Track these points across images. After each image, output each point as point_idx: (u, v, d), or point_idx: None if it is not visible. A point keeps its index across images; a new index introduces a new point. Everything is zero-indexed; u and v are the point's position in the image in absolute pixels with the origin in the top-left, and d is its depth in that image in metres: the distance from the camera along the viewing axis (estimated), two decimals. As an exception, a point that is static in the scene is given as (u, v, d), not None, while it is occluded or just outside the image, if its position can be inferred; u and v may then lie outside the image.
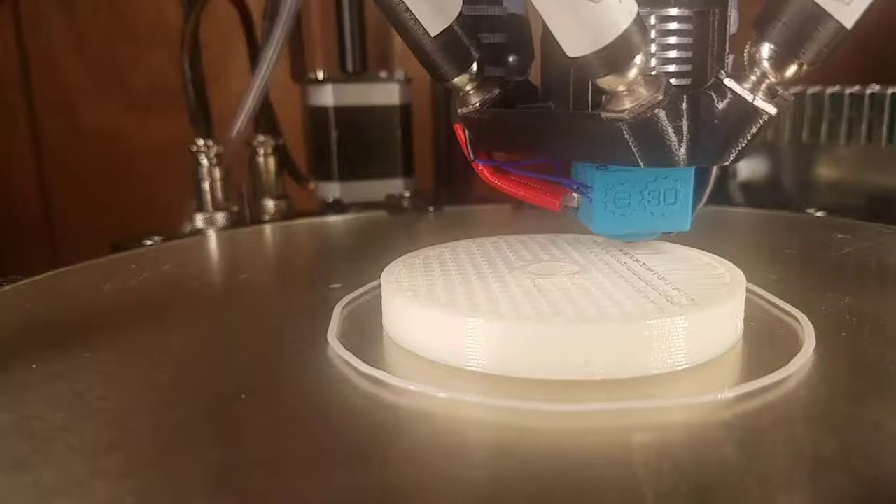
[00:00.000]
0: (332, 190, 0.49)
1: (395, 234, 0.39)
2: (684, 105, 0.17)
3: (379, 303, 0.21)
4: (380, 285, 0.21)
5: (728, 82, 0.17)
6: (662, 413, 0.16)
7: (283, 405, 0.17)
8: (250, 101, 0.41)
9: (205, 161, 0.39)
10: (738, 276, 0.20)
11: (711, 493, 0.13)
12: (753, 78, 0.17)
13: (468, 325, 0.17)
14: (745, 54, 0.17)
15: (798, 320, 0.20)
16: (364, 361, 0.18)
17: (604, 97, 0.17)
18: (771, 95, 0.17)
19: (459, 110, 0.22)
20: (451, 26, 0.19)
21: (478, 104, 0.22)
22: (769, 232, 0.37)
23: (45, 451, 0.14)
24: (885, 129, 0.40)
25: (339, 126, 0.48)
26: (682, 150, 0.17)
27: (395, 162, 0.50)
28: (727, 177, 0.46)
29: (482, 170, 0.23)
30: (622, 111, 0.17)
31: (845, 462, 0.13)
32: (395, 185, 0.49)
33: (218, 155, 0.39)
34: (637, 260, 0.22)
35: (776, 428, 0.15)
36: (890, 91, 0.40)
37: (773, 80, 0.17)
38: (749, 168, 0.46)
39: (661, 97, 0.17)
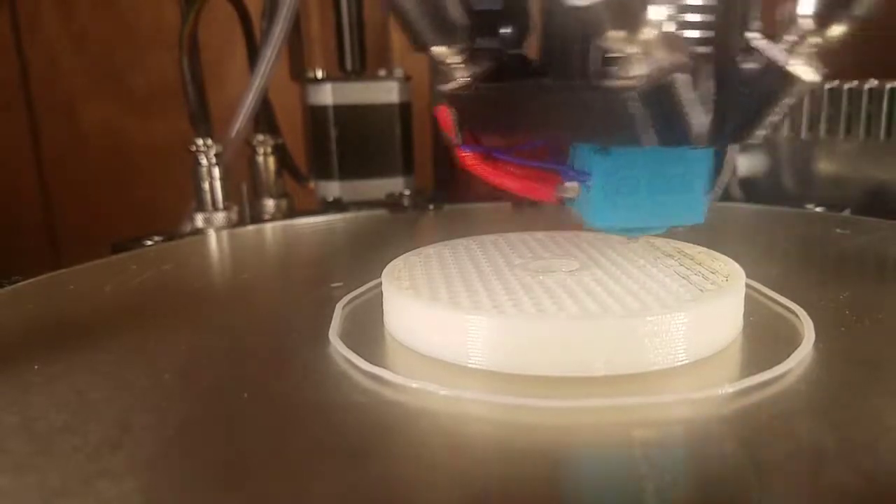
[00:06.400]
0: (332, 189, 0.49)
1: (396, 233, 0.39)
2: (706, 71, 0.15)
3: (380, 301, 0.21)
4: (380, 284, 0.21)
5: (758, 44, 0.15)
6: (663, 409, 0.16)
7: (285, 403, 0.17)
8: (249, 101, 0.41)
9: (204, 161, 0.39)
10: (738, 271, 0.20)
11: (712, 488, 0.13)
12: (789, 39, 0.14)
13: (469, 323, 0.17)
14: (779, 12, 0.15)
15: (797, 315, 0.20)
16: (365, 359, 0.18)
17: (615, 66, 0.15)
18: (808, 60, 0.15)
19: (444, 87, 0.20)
20: None
21: (466, 79, 0.19)
22: (768, 227, 0.37)
23: (49, 451, 0.15)
24: (883, 123, 0.40)
25: (338, 125, 0.48)
26: (703, 125, 0.15)
27: (395, 160, 0.50)
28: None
29: (467, 157, 0.21)
30: (633, 77, 0.14)
31: (846, 456, 0.13)
32: (395, 184, 0.49)
33: (217, 155, 0.39)
34: (636, 256, 0.22)
35: (776, 423, 0.15)
36: (888, 85, 0.40)
37: (812, 41, 0.14)
38: (748, 164, 0.46)
39: (681, 61, 0.14)
